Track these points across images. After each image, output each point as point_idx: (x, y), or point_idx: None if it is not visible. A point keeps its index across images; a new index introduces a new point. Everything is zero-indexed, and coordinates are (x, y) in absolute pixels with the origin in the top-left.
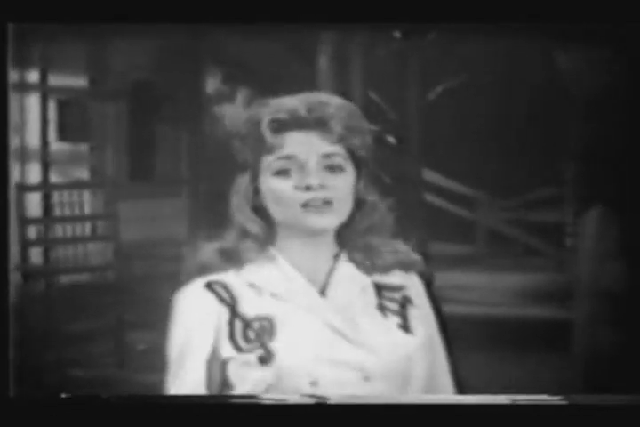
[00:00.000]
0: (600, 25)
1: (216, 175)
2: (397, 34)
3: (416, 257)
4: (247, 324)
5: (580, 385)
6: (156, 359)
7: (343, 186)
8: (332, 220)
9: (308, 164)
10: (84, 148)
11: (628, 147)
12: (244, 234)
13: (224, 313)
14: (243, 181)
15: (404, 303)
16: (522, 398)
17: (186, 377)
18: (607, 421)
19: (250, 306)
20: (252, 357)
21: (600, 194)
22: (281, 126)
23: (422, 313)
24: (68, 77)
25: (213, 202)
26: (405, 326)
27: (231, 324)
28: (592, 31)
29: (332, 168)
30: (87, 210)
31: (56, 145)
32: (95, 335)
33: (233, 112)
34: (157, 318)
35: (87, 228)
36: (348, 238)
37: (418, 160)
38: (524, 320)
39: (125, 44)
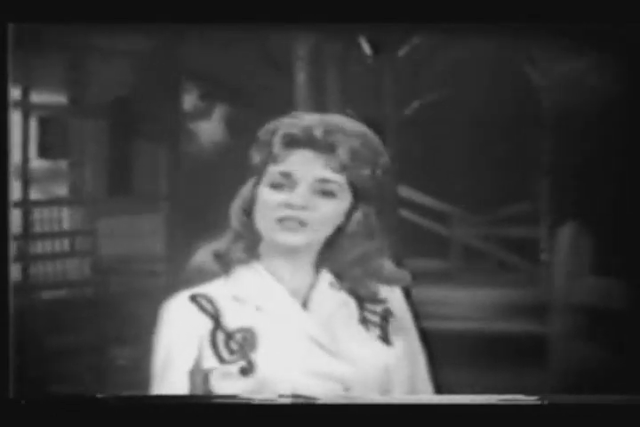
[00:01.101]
0: (575, 39)
1: (193, 192)
2: (368, 50)
3: (403, 274)
4: (230, 335)
5: (557, 399)
6: (136, 374)
7: (328, 212)
8: (301, 238)
9: (300, 183)
10: (63, 164)
11: (601, 162)
12: (237, 237)
13: (207, 325)
14: (247, 186)
15: (386, 316)
16: (507, 398)
17: (169, 388)
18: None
19: (233, 318)
20: (234, 368)
21: (574, 209)
22: (292, 141)
23: (403, 325)
24: (49, 94)
25: (191, 218)
26: (386, 339)
27: (214, 335)
28: (565, 47)
29: (324, 193)
30: (66, 226)
31: (36, 162)
32: (74, 351)
33: (209, 128)
34: (136, 334)
35: (66, 244)
36: (338, 265)
37: (393, 176)
38: (501, 335)
39: (105, 61)
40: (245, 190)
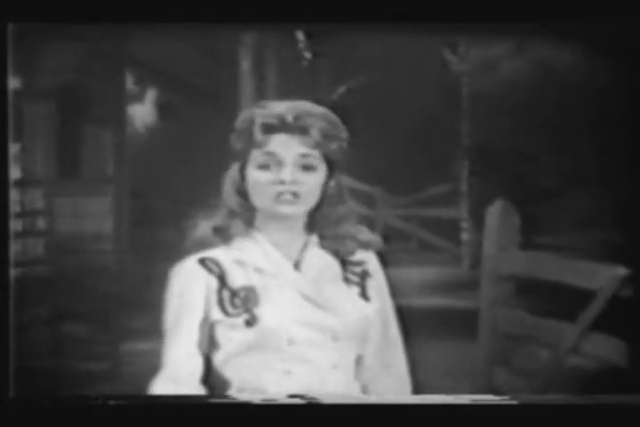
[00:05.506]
0: (493, 25)
1: (137, 175)
2: (300, 36)
3: (375, 238)
4: (234, 293)
5: (484, 366)
6: (91, 349)
7: (312, 183)
8: (298, 208)
9: (285, 161)
10: (15, 148)
11: (521, 143)
12: (232, 214)
13: (214, 284)
14: (234, 169)
15: (364, 276)
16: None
17: (182, 338)
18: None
19: (236, 278)
20: (239, 320)
21: (495, 190)
22: (269, 128)
23: (378, 284)
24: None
25: (136, 200)
26: (364, 295)
27: (220, 293)
28: (485, 31)
29: (306, 167)
30: (21, 207)
31: None
32: (30, 326)
33: (142, 112)
34: (90, 309)
35: (21, 224)
36: (320, 227)
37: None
38: (425, 310)
39: (54, 46)
40: (233, 174)
